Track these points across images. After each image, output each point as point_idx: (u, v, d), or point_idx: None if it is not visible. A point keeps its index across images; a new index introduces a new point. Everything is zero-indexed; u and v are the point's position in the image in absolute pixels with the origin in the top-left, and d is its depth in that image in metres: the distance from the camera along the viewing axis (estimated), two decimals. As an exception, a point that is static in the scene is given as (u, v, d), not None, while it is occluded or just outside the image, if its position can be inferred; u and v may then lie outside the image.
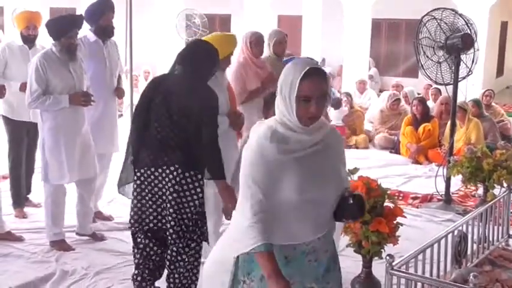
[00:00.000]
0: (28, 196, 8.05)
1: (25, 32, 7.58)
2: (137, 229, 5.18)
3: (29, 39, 7.60)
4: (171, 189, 4.98)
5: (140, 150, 5.09)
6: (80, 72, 6.64)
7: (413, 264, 4.75)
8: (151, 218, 5.14)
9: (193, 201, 5.05)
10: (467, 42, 8.09)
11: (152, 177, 5.05)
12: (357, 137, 12.47)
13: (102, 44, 7.29)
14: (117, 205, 7.89)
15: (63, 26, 6.49)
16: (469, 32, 8.16)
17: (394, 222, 5.22)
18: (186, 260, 5.14)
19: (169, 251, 5.15)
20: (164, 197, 5.05)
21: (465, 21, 8.23)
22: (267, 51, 8.25)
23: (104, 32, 7.25)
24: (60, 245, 6.68)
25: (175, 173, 4.98)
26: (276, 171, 3.24)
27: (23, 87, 7.24)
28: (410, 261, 4.71)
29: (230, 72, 7.25)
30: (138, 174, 5.10)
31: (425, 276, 4.76)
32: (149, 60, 17.85)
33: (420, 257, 4.85)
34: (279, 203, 3.25)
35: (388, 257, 4.43)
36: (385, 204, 5.26)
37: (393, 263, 4.41)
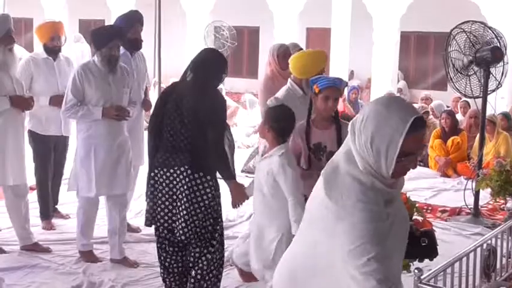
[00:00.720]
0: (56, 207, 8.04)
1: (50, 43, 7.55)
2: (151, 224, 5.44)
3: (53, 51, 7.56)
4: (181, 189, 5.18)
5: (155, 152, 5.36)
6: (119, 85, 6.51)
7: (442, 277, 4.73)
8: (165, 218, 5.31)
9: (203, 201, 5.19)
10: (497, 55, 8.08)
11: (164, 177, 5.25)
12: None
13: (130, 57, 7.23)
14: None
15: (104, 36, 6.43)
16: (499, 45, 8.15)
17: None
18: (206, 262, 5.29)
19: (191, 254, 5.31)
20: (175, 197, 5.24)
21: (494, 34, 8.22)
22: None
23: (132, 44, 7.20)
24: (87, 256, 6.62)
25: (185, 174, 5.17)
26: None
27: (53, 101, 7.31)
28: (438, 275, 4.69)
29: (259, 84, 7.41)
30: (152, 174, 5.34)
31: (453, 290, 4.76)
32: (177, 72, 17.96)
33: (449, 270, 4.86)
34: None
35: (416, 271, 4.40)
36: (414, 217, 5.24)
37: (422, 277, 4.38)
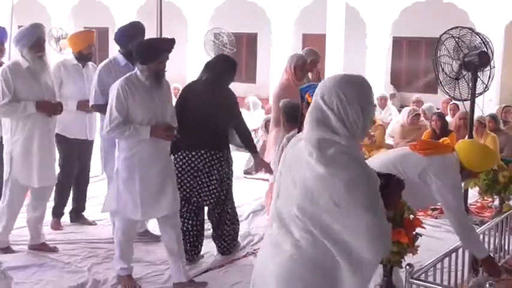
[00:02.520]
0: (83, 214, 8.19)
1: (86, 51, 7.74)
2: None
3: (87, 58, 7.80)
4: (204, 166, 6.72)
5: (179, 139, 6.28)
6: (164, 101, 6.08)
7: (432, 273, 4.87)
8: (192, 192, 6.81)
9: (219, 173, 6.79)
10: (484, 59, 8.23)
11: (187, 158, 6.72)
12: (378, 150, 12.59)
13: (132, 67, 6.65)
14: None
15: (154, 50, 5.96)
16: (486, 49, 8.30)
17: (414, 232, 5.35)
18: (228, 222, 7.01)
19: (214, 217, 6.99)
20: (199, 173, 6.73)
21: (482, 40, 8.36)
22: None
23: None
24: (125, 281, 6.19)
25: (205, 155, 6.71)
26: None
27: (80, 105, 7.52)
28: (429, 270, 4.82)
29: (273, 91, 7.73)
30: (176, 156, 6.71)
31: (443, 285, 4.86)
32: (179, 78, 18.07)
33: (439, 266, 4.96)
34: None
35: (407, 267, 4.53)
36: (405, 215, 5.39)
37: (412, 272, 4.52)
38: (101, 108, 6.79)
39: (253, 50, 24.14)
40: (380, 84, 18.96)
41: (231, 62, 7.02)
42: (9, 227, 6.98)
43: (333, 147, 3.08)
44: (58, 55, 19.04)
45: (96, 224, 8.01)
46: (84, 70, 7.75)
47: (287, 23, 20.14)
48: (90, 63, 7.87)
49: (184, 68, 20.79)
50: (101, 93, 6.94)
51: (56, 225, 7.86)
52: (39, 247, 7.04)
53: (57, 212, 7.95)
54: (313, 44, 21.54)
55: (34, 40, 6.66)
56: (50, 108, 6.79)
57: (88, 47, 7.77)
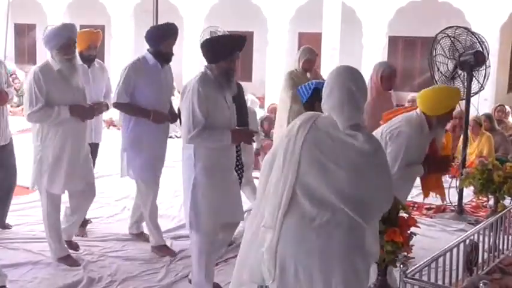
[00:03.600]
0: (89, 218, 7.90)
1: (86, 52, 7.56)
2: None
3: (89, 59, 7.60)
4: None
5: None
6: (231, 101, 5.76)
7: (426, 272, 4.88)
8: None
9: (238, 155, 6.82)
10: (479, 59, 8.27)
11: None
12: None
13: (160, 68, 6.88)
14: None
15: (225, 47, 5.69)
16: (481, 49, 8.33)
17: (408, 232, 5.36)
18: None
19: None
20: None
21: (477, 39, 8.39)
22: (295, 65, 8.83)
23: (164, 57, 6.85)
24: None
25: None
26: None
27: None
28: (423, 270, 4.84)
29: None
30: None
31: (438, 284, 4.90)
32: (176, 76, 18.06)
33: (433, 265, 4.98)
34: None
35: (402, 266, 4.56)
36: (400, 214, 5.40)
37: (407, 271, 4.53)
38: (124, 107, 6.80)
39: (249, 49, 24.09)
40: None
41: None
42: (56, 237, 6.67)
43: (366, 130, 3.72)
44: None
45: (91, 222, 7.95)
46: (90, 71, 7.56)
47: (283, 21, 20.11)
48: (97, 63, 7.73)
49: (180, 66, 20.74)
50: (125, 91, 6.75)
51: (81, 233, 7.63)
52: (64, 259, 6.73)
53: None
54: (309, 42, 21.55)
55: (63, 42, 6.33)
56: (84, 112, 6.54)
57: (88, 48, 7.58)
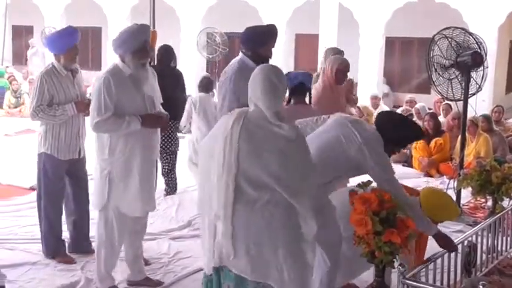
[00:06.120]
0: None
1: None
2: None
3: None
4: None
5: None
6: None
7: (424, 273, 4.90)
8: None
9: None
10: (477, 60, 8.25)
11: None
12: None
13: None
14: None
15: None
16: (479, 50, 8.32)
17: (406, 233, 5.36)
18: None
19: None
20: None
21: (475, 40, 8.37)
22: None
23: (262, 61, 6.02)
24: None
25: None
26: None
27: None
28: (421, 271, 4.85)
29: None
30: None
31: (435, 285, 4.91)
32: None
33: (431, 266, 5.00)
34: None
35: (400, 267, 4.57)
36: (398, 215, 5.40)
37: (405, 272, 4.55)
38: None
39: (247, 50, 24.18)
40: (373, 84, 19.02)
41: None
42: (109, 265, 6.06)
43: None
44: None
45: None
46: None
47: (280, 22, 20.11)
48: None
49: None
50: (236, 98, 6.14)
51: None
52: (142, 282, 6.27)
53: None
54: (306, 44, 21.66)
55: (139, 45, 5.82)
56: (156, 122, 5.99)
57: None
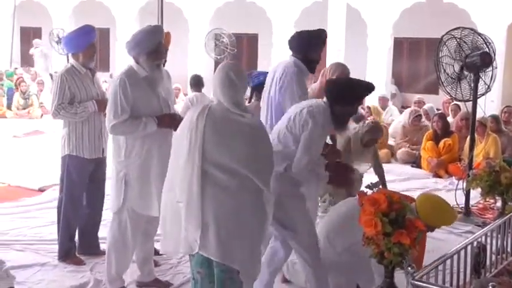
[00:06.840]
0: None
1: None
2: None
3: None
4: None
5: None
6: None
7: (434, 274, 4.83)
8: None
9: None
10: (486, 60, 8.24)
11: None
12: (379, 151, 12.60)
13: (308, 74, 6.55)
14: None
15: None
16: (488, 50, 8.31)
17: (415, 233, 5.34)
18: None
19: None
20: None
21: (483, 40, 8.37)
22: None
23: (311, 65, 6.46)
24: None
25: None
26: None
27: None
28: (431, 272, 4.79)
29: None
30: None
31: (445, 286, 4.88)
32: (180, 79, 18.07)
33: (440, 267, 4.94)
34: None
35: (409, 268, 4.51)
36: (407, 216, 5.38)
37: (414, 274, 4.51)
38: None
39: (254, 51, 24.13)
40: (381, 85, 18.98)
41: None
42: (122, 267, 6.06)
43: None
44: (61, 56, 19.07)
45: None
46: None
47: (288, 23, 20.13)
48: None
49: (185, 69, 20.80)
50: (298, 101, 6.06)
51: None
52: (151, 284, 6.29)
53: None
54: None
55: (153, 46, 5.80)
56: (171, 121, 5.83)
57: None
